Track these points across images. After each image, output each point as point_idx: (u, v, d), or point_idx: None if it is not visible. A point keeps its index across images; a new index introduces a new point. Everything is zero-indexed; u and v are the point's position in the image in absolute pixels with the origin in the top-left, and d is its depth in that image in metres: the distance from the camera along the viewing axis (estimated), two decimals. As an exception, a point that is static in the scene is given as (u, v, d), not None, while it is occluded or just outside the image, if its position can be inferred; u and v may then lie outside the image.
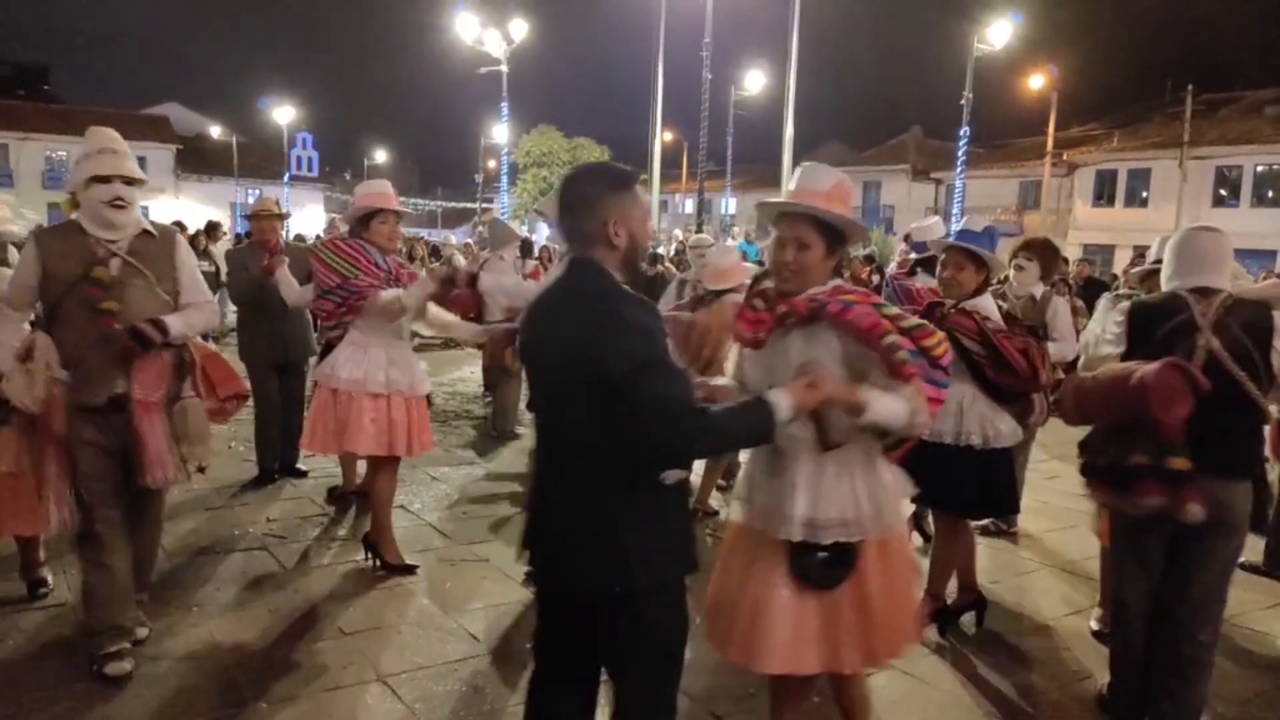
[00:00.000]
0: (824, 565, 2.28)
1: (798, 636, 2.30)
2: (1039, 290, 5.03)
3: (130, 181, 3.15)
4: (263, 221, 5.66)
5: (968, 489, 3.63)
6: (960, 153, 24.86)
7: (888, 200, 41.35)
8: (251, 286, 5.45)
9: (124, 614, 3.27)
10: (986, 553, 4.78)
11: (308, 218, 43.90)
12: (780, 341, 2.37)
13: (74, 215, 3.22)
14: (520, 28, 21.25)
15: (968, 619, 3.95)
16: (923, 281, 5.16)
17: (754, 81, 29.48)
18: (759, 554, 2.37)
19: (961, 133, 24.39)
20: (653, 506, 2.03)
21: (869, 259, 13.00)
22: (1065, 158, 33.31)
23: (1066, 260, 6.35)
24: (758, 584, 2.35)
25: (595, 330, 1.92)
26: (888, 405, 2.17)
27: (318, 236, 15.19)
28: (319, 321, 4.45)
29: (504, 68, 21.90)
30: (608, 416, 1.91)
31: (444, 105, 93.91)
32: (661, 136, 27.14)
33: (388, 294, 4.09)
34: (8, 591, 3.88)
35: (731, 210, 34.57)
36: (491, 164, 38.24)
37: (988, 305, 3.67)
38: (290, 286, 4.81)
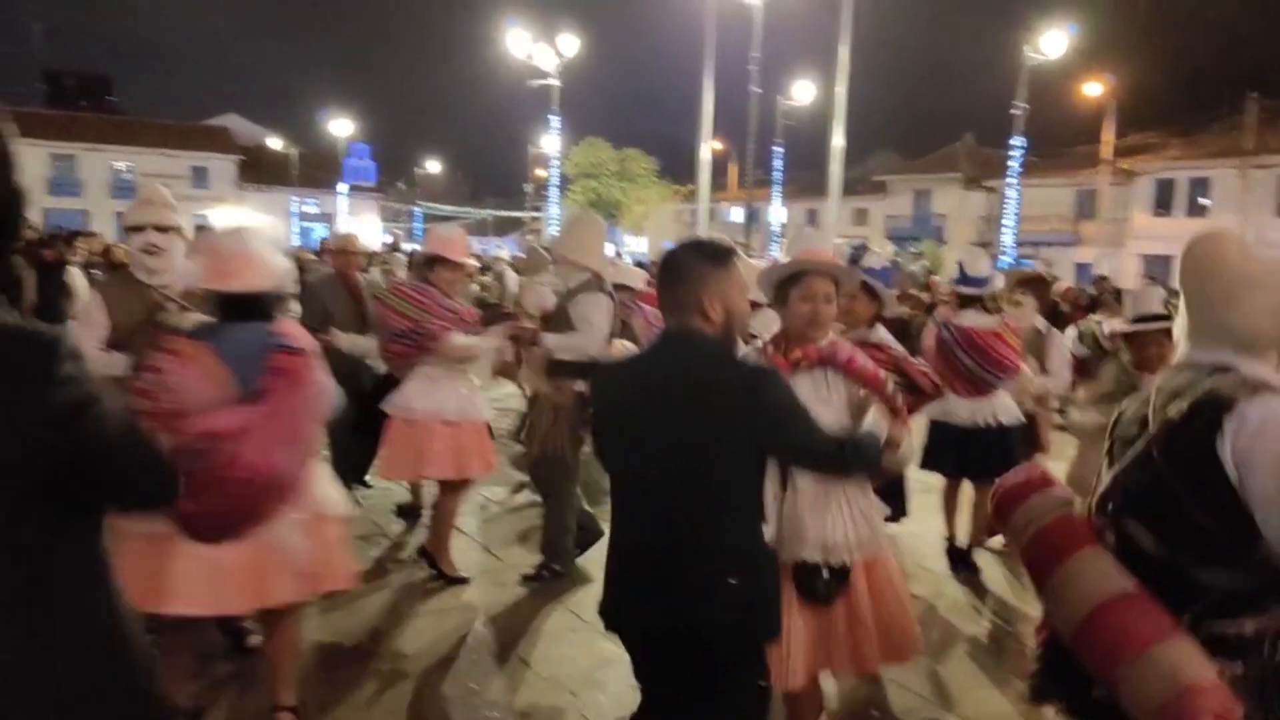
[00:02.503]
0: (829, 583, 2.57)
1: (810, 651, 2.59)
2: (1041, 323, 5.35)
3: (163, 229, 3.42)
4: (346, 257, 5.84)
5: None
6: (1012, 164, 24.50)
7: (939, 209, 40.86)
8: (325, 321, 5.58)
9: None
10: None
11: (364, 227, 44.80)
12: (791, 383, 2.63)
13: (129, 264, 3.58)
14: (571, 43, 21.52)
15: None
16: (971, 320, 4.90)
17: (803, 91, 29.43)
18: None
19: (1014, 142, 24.04)
20: (772, 561, 2.32)
21: (924, 286, 12.53)
22: (1123, 166, 32.61)
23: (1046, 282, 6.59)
24: None
25: (721, 393, 2.12)
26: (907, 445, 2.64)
27: (381, 257, 15.47)
28: (388, 362, 4.65)
29: (555, 81, 22.18)
30: (741, 472, 2.17)
31: (495, 116, 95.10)
32: (709, 146, 27.27)
33: (462, 341, 4.39)
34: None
35: (781, 220, 34.47)
36: (540, 173, 38.71)
37: (886, 335, 3.99)
38: (353, 341, 5.11)
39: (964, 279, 5.07)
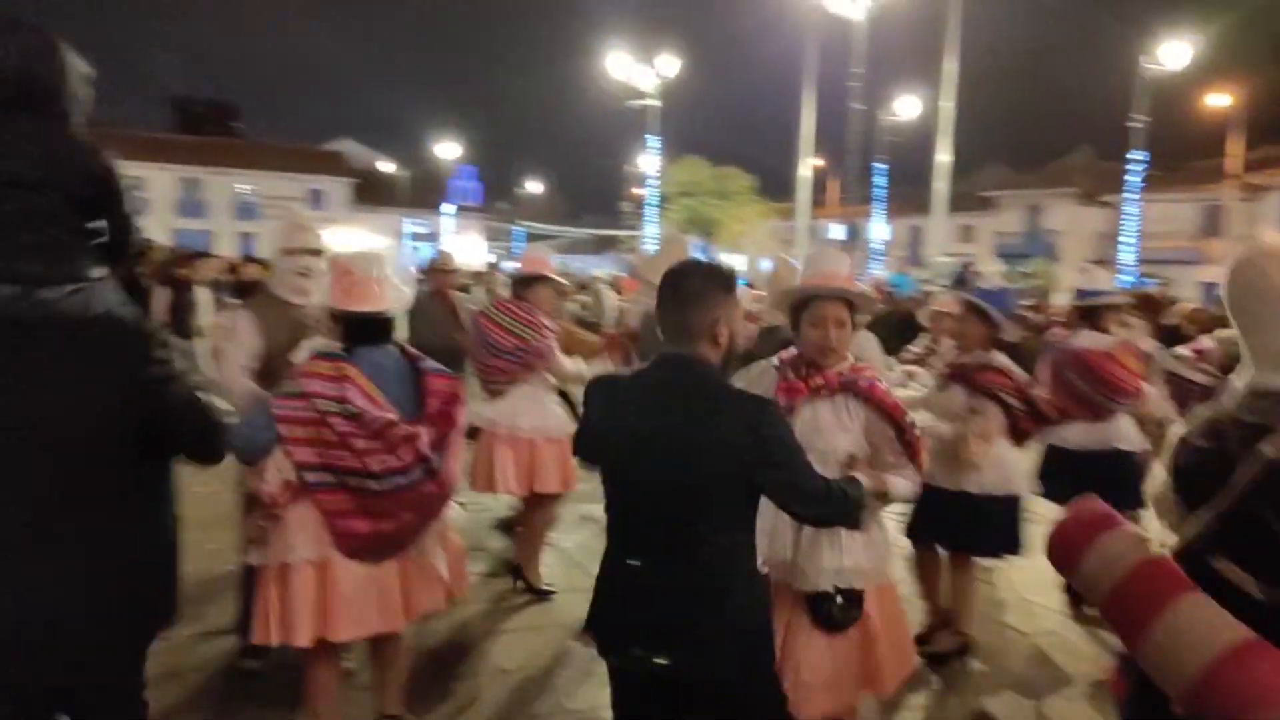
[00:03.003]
0: (843, 609, 2.61)
1: (828, 679, 2.60)
2: (1151, 346, 5.21)
3: (315, 253, 3.52)
4: (443, 276, 6.11)
5: (1001, 533, 3.99)
6: (1132, 179, 23.38)
7: (1052, 225, 39.36)
8: (430, 338, 5.79)
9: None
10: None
11: (469, 246, 46.06)
12: (809, 408, 2.66)
13: (271, 285, 3.61)
14: (670, 63, 21.70)
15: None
16: (1088, 341, 4.62)
17: (907, 105, 28.87)
18: (778, 606, 2.51)
19: (1133, 157, 22.96)
20: (763, 590, 2.24)
21: (1033, 307, 11.96)
22: (1252, 181, 30.70)
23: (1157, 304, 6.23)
24: (791, 636, 2.63)
25: (721, 425, 2.06)
26: (901, 488, 2.62)
27: (485, 276, 15.87)
28: (487, 378, 4.72)
29: (654, 101, 22.39)
30: (734, 505, 2.11)
31: (594, 136, 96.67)
32: (809, 163, 27.02)
33: (570, 365, 4.53)
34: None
35: (883, 237, 33.81)
36: (637, 192, 39.08)
37: (1005, 359, 4.01)
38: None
39: (1080, 294, 4.88)
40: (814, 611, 2.62)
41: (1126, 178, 23.75)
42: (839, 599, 2.60)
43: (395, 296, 2.86)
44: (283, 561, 2.73)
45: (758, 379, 2.77)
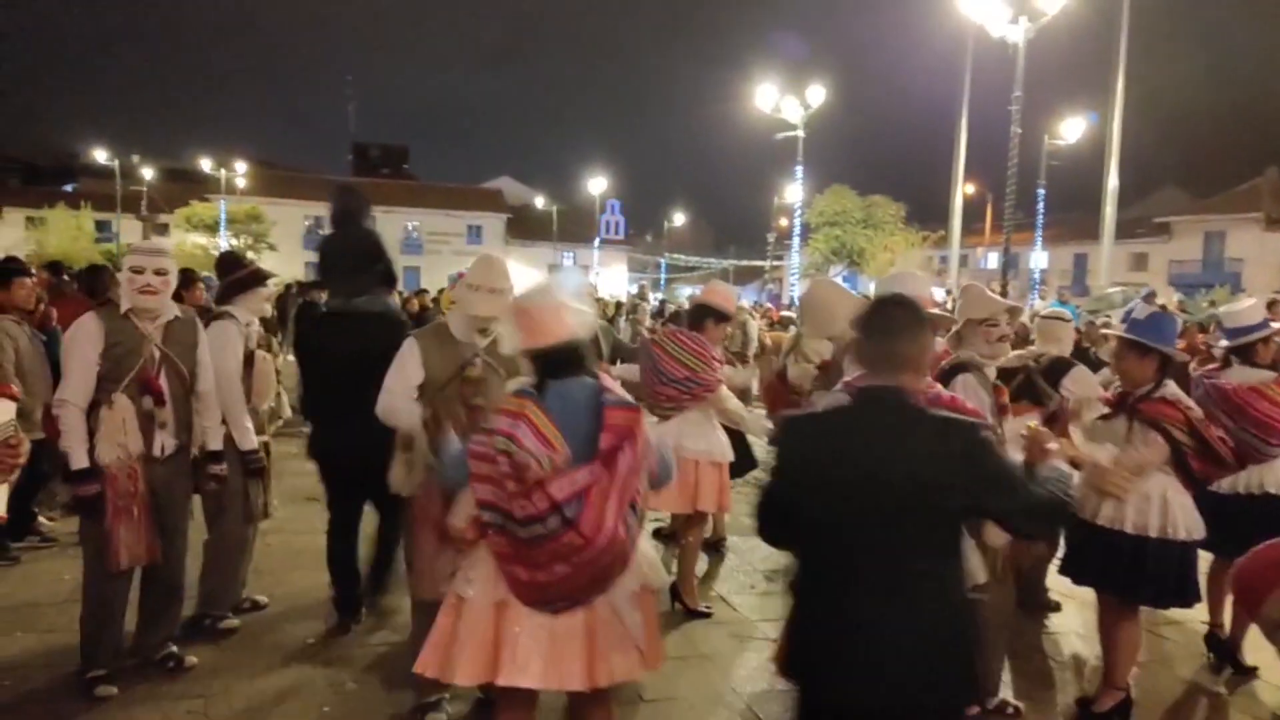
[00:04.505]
0: None
1: None
2: None
3: (500, 291, 3.57)
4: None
5: (1169, 581, 3.63)
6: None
7: (1234, 253, 36.33)
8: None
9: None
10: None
11: (614, 278, 47.08)
12: None
13: (445, 319, 3.69)
14: (818, 93, 21.55)
15: None
16: (1239, 377, 4.25)
17: (1071, 128, 27.43)
18: None
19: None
20: (976, 614, 2.29)
21: (1202, 326, 11.29)
22: None
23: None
24: None
25: (946, 457, 2.08)
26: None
27: (629, 306, 16.18)
28: (656, 403, 4.77)
29: (800, 133, 22.28)
30: (952, 533, 2.16)
31: (739, 167, 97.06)
32: (961, 190, 26.07)
33: (734, 403, 4.65)
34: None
35: (1042, 265, 32.08)
36: (784, 222, 38.83)
37: (1178, 392, 3.67)
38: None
39: (1224, 333, 4.47)
40: None
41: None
42: None
43: (579, 322, 2.75)
44: (459, 595, 2.70)
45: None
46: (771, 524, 2.33)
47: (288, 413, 5.85)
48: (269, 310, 4.98)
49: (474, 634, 2.61)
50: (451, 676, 2.64)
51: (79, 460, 3.53)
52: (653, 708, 3.83)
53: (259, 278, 4.51)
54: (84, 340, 3.56)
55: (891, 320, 2.22)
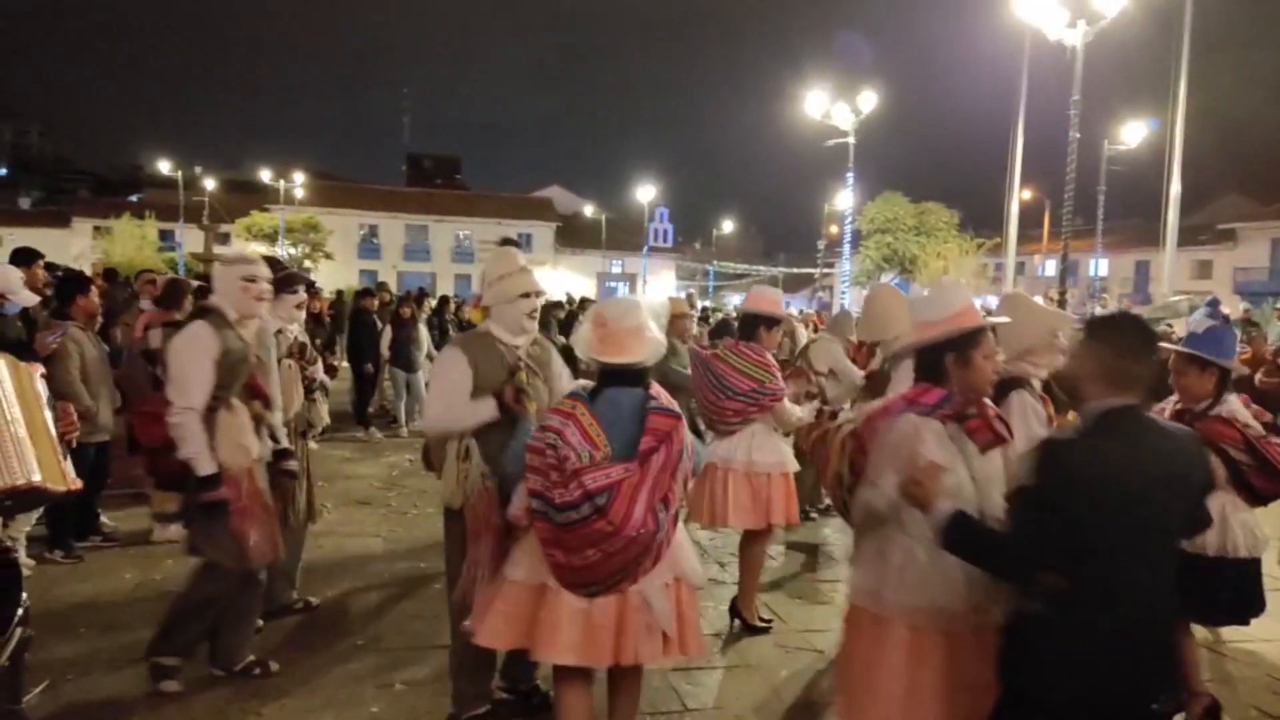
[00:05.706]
0: None
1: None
2: None
3: (539, 294, 3.57)
4: (683, 320, 6.58)
5: (1224, 598, 3.62)
6: None
7: (1306, 259, 34.96)
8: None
9: (489, 681, 3.62)
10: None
11: (662, 285, 47.13)
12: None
13: (486, 325, 3.57)
14: (869, 99, 21.31)
15: None
16: None
17: (1132, 133, 26.72)
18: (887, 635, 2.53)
19: None
20: None
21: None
22: None
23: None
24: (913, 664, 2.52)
25: (1193, 469, 2.29)
26: None
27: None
28: (720, 419, 4.72)
29: (851, 139, 22.06)
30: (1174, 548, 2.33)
31: (789, 174, 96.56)
32: (1017, 197, 25.54)
33: (797, 411, 4.59)
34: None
35: (1101, 272, 31.29)
36: (834, 229, 38.45)
37: (1239, 408, 3.61)
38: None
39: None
40: None
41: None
42: None
43: (651, 349, 2.90)
44: (505, 576, 3.03)
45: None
46: (1047, 553, 2.19)
47: (325, 420, 5.92)
48: (301, 316, 4.88)
49: (513, 606, 2.92)
50: (486, 640, 2.98)
51: (207, 466, 3.57)
52: (694, 717, 3.81)
53: (288, 283, 4.51)
54: (200, 350, 3.62)
55: (1139, 336, 2.22)
